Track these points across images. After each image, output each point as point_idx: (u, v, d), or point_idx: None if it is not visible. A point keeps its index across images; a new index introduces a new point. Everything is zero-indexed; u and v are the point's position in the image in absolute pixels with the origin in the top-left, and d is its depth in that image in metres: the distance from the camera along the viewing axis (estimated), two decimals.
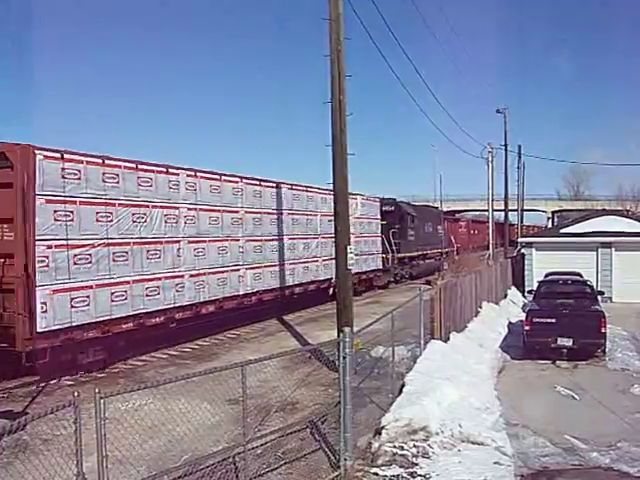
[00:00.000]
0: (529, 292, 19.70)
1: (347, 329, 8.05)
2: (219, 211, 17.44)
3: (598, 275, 24.50)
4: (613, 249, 25.20)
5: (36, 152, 11.87)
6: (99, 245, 13.19)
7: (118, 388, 9.05)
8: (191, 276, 16.02)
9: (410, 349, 13.81)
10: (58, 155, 12.40)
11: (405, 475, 7.60)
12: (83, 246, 12.80)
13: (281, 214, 20.68)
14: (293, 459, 8.23)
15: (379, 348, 14.32)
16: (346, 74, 12.91)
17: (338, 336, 8.27)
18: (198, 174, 16.70)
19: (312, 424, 9.30)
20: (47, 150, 12.19)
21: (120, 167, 13.97)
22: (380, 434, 8.59)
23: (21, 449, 8.57)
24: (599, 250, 25.26)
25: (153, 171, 15.02)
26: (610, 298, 23.08)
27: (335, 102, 12.86)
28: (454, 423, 8.96)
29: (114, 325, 13.61)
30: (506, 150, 39.99)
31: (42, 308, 11.78)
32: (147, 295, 14.48)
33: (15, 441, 8.68)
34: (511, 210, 43.81)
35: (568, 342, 14.20)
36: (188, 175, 16.23)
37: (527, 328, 14.75)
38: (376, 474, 7.66)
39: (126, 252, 13.90)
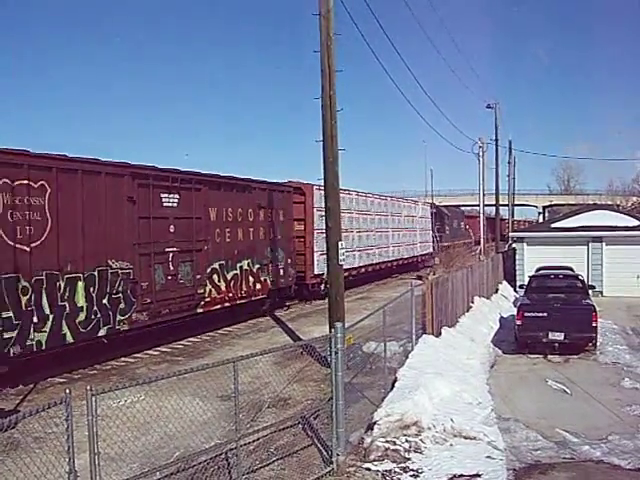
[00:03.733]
0: (520, 287, 19.74)
1: (339, 324, 8.04)
2: (380, 215, 32.47)
3: (589, 269, 24.62)
4: (604, 243, 25.33)
5: (313, 187, 23.41)
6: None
7: (110, 385, 9.03)
8: (377, 249, 31.20)
9: (402, 344, 13.84)
10: (317, 187, 22.48)
11: (397, 470, 7.62)
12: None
13: (388, 215, 34.57)
14: (286, 455, 8.22)
15: (371, 343, 14.33)
16: (336, 69, 12.83)
17: (330, 332, 8.25)
18: (374, 196, 31.95)
19: (304, 420, 9.31)
20: (314, 185, 23.07)
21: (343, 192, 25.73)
22: (372, 429, 8.60)
23: (13, 447, 8.53)
24: (590, 244, 25.39)
25: (360, 195, 29.28)
26: (601, 292, 23.21)
27: (325, 98, 12.75)
28: (446, 418, 8.99)
29: (353, 270, 27.44)
30: (497, 145, 40.08)
31: (316, 263, 23.74)
32: (366, 256, 29.59)
33: (7, 439, 8.64)
34: (502, 205, 43.93)
35: (559, 336, 14.26)
36: (374, 198, 31.69)
37: (519, 322, 14.79)
38: (368, 469, 7.68)
39: (359, 235, 28.73)
